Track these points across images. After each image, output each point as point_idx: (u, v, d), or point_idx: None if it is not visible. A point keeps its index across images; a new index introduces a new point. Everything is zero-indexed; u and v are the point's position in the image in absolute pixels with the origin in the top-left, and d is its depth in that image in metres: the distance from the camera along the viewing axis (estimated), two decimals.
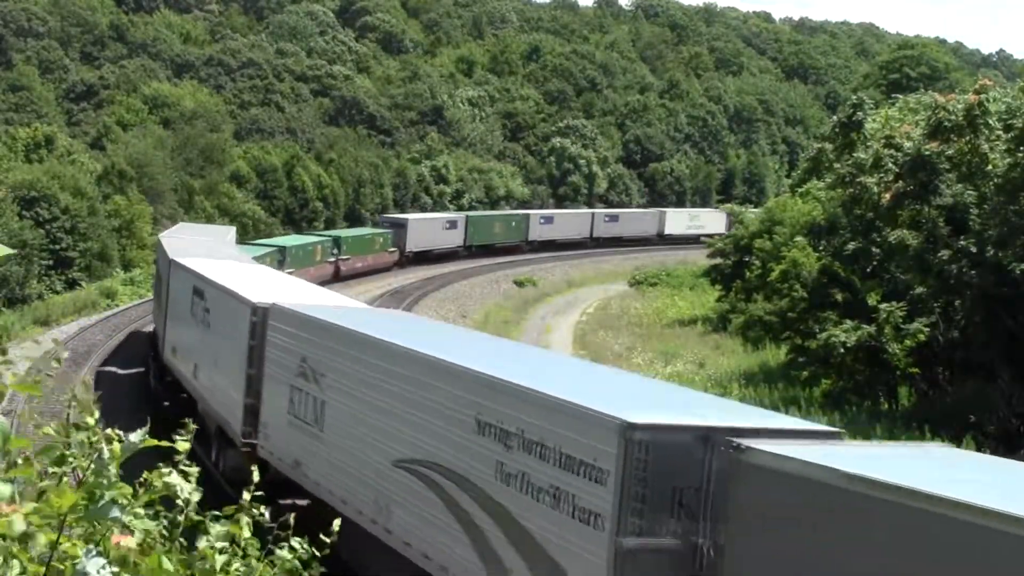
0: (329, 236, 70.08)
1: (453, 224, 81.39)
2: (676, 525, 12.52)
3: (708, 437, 12.46)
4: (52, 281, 56.60)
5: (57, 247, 57.15)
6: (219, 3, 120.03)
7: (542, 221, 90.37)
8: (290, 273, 56.37)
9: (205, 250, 36.98)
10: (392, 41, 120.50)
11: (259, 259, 52.65)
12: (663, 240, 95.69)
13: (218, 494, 18.28)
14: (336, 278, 65.03)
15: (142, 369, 39.31)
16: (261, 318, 23.59)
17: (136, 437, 3.92)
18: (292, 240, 66.20)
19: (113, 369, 40.56)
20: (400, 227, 75.13)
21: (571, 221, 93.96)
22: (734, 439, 12.07)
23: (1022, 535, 8.74)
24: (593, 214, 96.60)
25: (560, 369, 19.22)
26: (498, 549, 14.66)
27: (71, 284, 57.68)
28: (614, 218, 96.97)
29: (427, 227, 78.78)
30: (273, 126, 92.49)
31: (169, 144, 78.89)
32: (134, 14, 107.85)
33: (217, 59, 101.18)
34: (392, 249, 73.31)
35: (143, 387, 37.40)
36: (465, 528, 15.45)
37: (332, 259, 66.88)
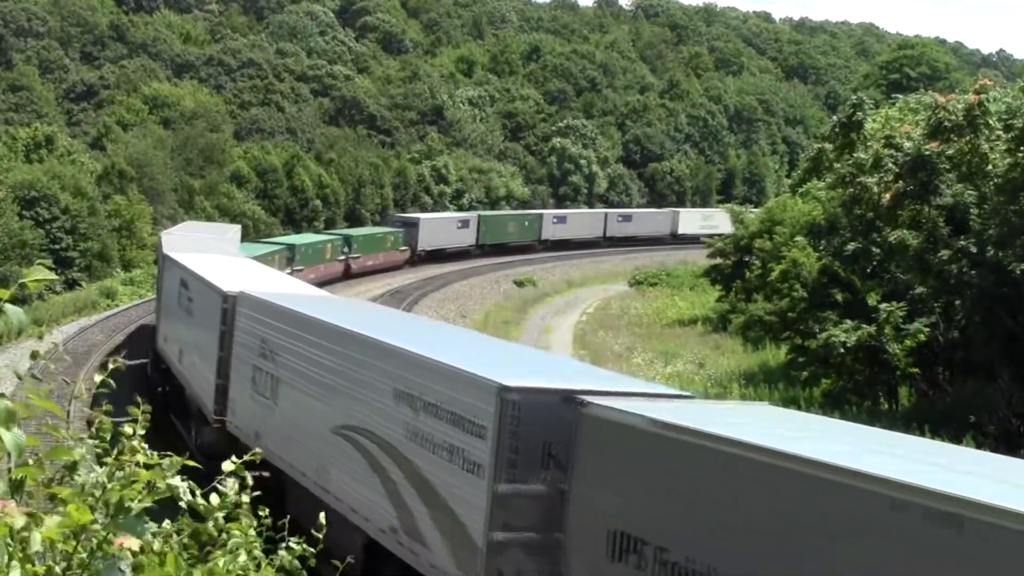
0: (340, 235, 70.99)
1: (465, 223, 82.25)
2: (546, 474, 14.21)
3: (571, 398, 14.15)
4: (52, 281, 56.62)
5: (57, 247, 57.15)
6: (219, 3, 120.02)
7: (555, 221, 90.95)
8: (299, 271, 57.91)
9: (198, 245, 38.32)
10: (392, 41, 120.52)
11: (267, 256, 54.07)
12: (676, 240, 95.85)
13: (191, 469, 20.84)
14: (347, 276, 66.57)
15: (146, 360, 40.14)
16: (231, 305, 25.45)
17: (167, 462, 3.97)
18: (302, 239, 67.00)
19: (121, 360, 41.26)
20: (412, 226, 76.31)
21: (584, 221, 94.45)
22: (580, 396, 13.94)
23: (780, 465, 10.85)
24: (606, 214, 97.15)
25: (459, 342, 21.86)
26: (407, 498, 16.70)
27: (71, 284, 57.67)
28: (627, 218, 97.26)
29: (439, 226, 79.78)
30: (273, 126, 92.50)
31: (169, 144, 78.91)
32: (134, 14, 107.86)
33: (217, 59, 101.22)
34: (403, 248, 74.32)
35: (144, 376, 38.47)
36: (383, 483, 17.50)
37: (342, 257, 67.91)
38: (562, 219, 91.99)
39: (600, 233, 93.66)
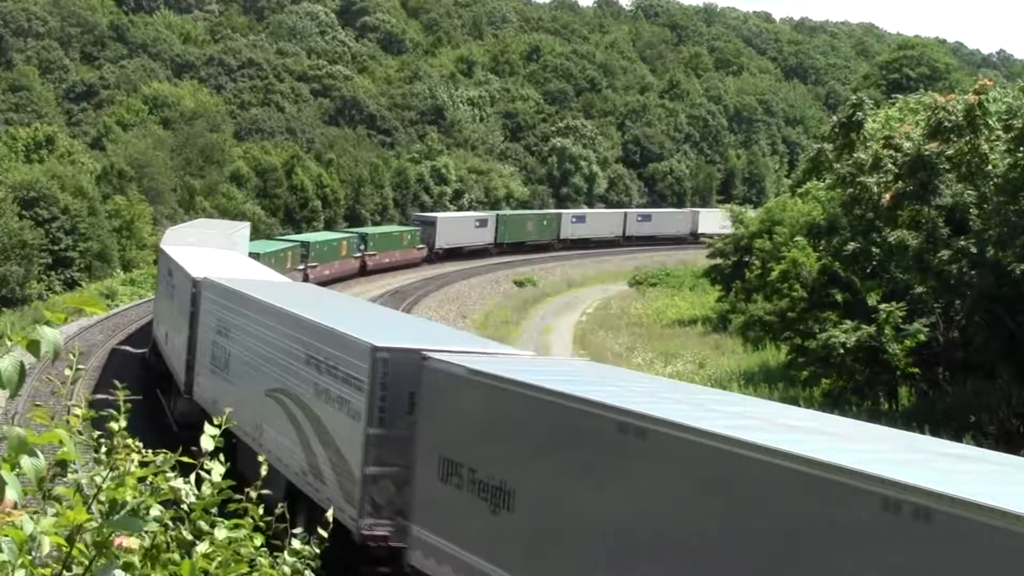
0: (356, 232, 72.40)
1: (483, 222, 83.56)
2: (409, 419, 17.05)
3: (421, 354, 17.10)
4: (51, 281, 56.58)
5: (57, 248, 57.13)
6: (219, 3, 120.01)
7: (574, 220, 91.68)
8: (312, 267, 59.29)
9: (196, 240, 40.95)
10: (392, 41, 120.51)
11: (279, 253, 56.55)
12: (697, 240, 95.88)
13: (169, 435, 27.09)
14: (362, 272, 68.85)
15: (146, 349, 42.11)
16: (199, 289, 28.80)
17: (161, 459, 3.98)
18: (316, 236, 68.65)
19: (127, 348, 44.47)
20: (430, 224, 78.29)
21: (604, 220, 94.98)
22: (424, 352, 16.93)
23: (553, 400, 13.89)
24: (626, 213, 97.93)
25: (352, 312, 26.21)
26: (313, 445, 19.88)
27: (71, 284, 57.64)
28: (647, 217, 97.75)
29: (456, 224, 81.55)
30: (273, 126, 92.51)
31: (169, 144, 78.92)
32: (134, 14, 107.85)
33: (217, 59, 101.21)
34: (420, 246, 75.74)
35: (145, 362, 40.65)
36: (297, 434, 20.74)
37: (358, 254, 69.38)
38: (581, 218, 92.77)
39: (620, 232, 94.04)
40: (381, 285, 66.00)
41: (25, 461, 3.47)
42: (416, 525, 16.70)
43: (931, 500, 9.21)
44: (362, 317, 24.51)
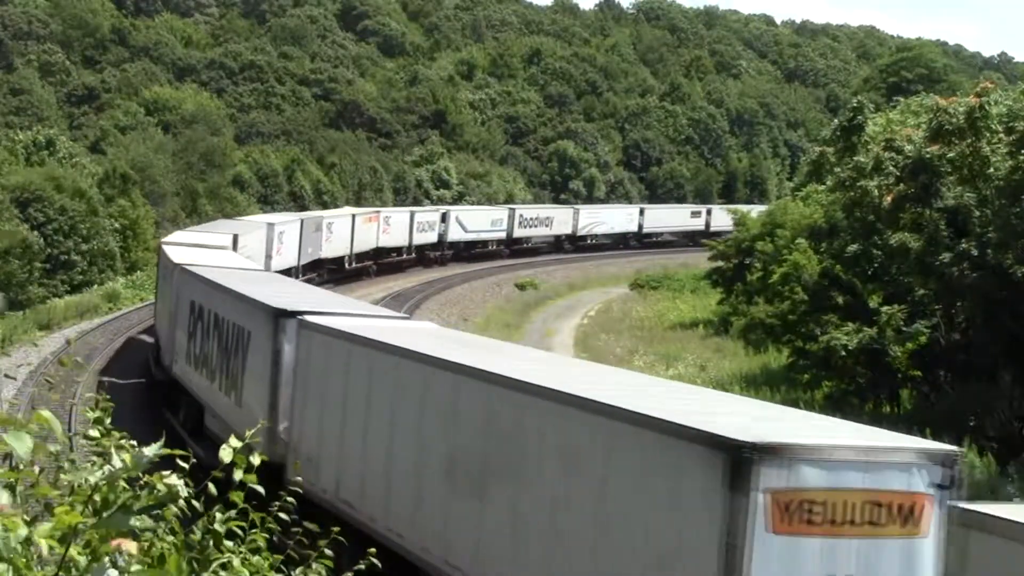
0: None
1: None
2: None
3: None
4: (54, 284, 56.55)
5: (56, 251, 57.07)
6: (220, 7, 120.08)
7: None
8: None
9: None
10: (393, 45, 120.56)
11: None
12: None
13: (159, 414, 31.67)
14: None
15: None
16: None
17: (150, 451, 3.96)
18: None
19: (143, 336, 45.99)
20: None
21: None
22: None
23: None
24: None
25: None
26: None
27: (74, 287, 57.61)
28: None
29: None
30: (274, 129, 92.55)
31: (170, 148, 78.93)
32: (135, 18, 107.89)
33: (219, 62, 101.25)
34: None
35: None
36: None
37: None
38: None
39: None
40: (383, 288, 65.99)
41: (10, 438, 3.45)
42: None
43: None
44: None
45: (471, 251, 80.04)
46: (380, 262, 69.33)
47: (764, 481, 10.88)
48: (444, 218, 77.20)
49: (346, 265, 64.79)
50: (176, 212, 71.43)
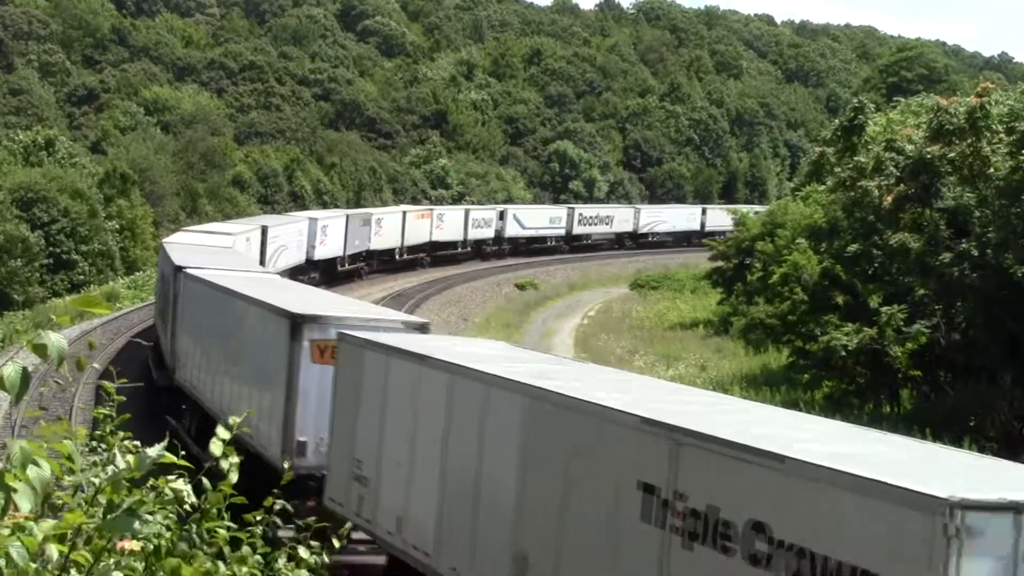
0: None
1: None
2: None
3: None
4: (54, 284, 56.57)
5: (58, 250, 57.10)
6: (220, 7, 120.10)
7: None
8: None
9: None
10: (393, 45, 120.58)
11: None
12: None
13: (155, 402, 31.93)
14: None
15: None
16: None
17: (154, 452, 3.97)
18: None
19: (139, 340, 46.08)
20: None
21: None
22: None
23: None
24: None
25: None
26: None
27: (74, 287, 57.62)
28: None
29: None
30: (274, 129, 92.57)
31: (170, 148, 78.94)
32: (135, 18, 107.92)
33: (219, 62, 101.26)
34: None
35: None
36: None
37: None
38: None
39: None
40: (383, 288, 66.00)
41: (32, 471, 3.47)
42: None
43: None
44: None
45: (529, 247, 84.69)
46: (435, 255, 75.00)
47: (308, 334, 20.43)
48: (502, 216, 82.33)
49: (397, 256, 71.33)
50: (175, 212, 71.44)
